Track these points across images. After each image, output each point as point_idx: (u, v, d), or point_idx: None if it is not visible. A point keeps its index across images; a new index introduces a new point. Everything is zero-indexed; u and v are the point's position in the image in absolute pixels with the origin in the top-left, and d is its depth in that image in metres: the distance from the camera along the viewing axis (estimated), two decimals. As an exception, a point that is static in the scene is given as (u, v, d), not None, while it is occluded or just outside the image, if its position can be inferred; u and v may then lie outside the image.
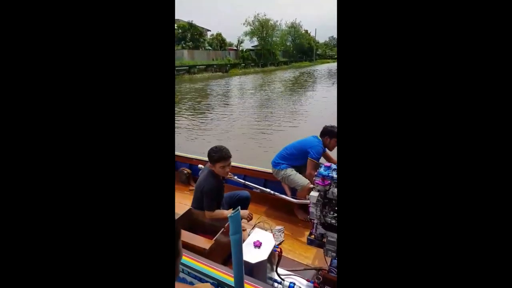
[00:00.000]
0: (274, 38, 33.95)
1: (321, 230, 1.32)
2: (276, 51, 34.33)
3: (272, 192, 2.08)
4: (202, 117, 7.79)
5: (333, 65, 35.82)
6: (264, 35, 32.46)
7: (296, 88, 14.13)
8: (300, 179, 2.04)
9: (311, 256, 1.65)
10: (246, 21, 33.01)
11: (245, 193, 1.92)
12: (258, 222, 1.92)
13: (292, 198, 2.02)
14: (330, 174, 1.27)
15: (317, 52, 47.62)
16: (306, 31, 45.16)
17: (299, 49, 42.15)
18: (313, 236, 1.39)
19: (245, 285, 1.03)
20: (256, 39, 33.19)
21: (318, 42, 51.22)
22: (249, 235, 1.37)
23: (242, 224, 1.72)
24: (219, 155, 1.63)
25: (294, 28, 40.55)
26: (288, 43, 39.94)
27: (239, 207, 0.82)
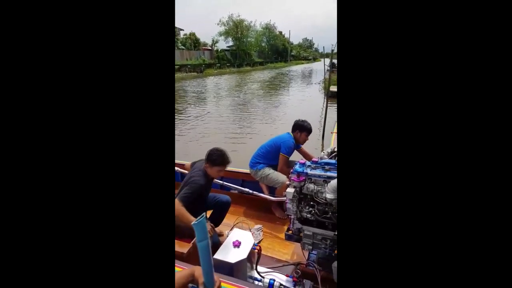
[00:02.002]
0: (249, 39, 34.13)
1: (298, 225, 1.36)
2: (251, 51, 34.54)
3: (250, 191, 2.09)
4: (176, 118, 7.58)
5: (307, 66, 36.95)
6: (239, 35, 32.46)
7: (273, 88, 14.33)
8: (279, 177, 2.08)
9: (290, 252, 1.69)
10: (220, 21, 32.80)
11: (225, 197, 1.88)
12: (237, 223, 1.92)
13: (270, 196, 2.04)
14: (305, 171, 1.31)
15: (292, 53, 48.74)
16: (281, 32, 46.03)
17: (274, 50, 42.84)
18: (290, 232, 1.42)
19: (226, 285, 1.03)
20: (231, 39, 33.08)
21: (292, 44, 52.45)
22: (227, 236, 1.36)
23: (220, 229, 1.71)
24: (221, 159, 1.58)
25: (268, 29, 41.12)
26: (263, 44, 40.42)
27: (204, 213, 0.82)
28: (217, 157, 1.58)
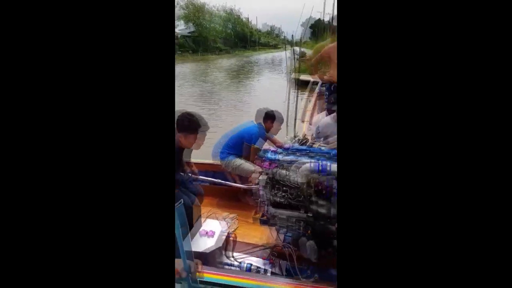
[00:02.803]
0: (212, 25, 32.71)
1: (272, 210, 1.40)
2: (216, 38, 33.26)
3: (222, 182, 2.08)
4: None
5: (276, 54, 36.88)
6: (201, 20, 30.90)
7: (242, 77, 14.13)
8: (250, 167, 2.10)
9: (265, 236, 1.74)
10: (177, 4, 30.67)
11: (197, 191, 1.83)
12: (210, 214, 1.92)
13: (243, 185, 2.07)
14: (276, 158, 1.35)
15: (260, 41, 48.27)
16: (247, 19, 45.09)
17: (241, 37, 41.90)
18: (265, 217, 1.47)
19: (204, 274, 1.03)
20: (192, 25, 31.33)
21: (260, 31, 51.83)
22: (201, 227, 1.36)
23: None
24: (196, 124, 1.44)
25: (233, 15, 39.88)
26: (228, 31, 39.17)
27: (182, 200, 0.80)
28: (189, 123, 1.46)
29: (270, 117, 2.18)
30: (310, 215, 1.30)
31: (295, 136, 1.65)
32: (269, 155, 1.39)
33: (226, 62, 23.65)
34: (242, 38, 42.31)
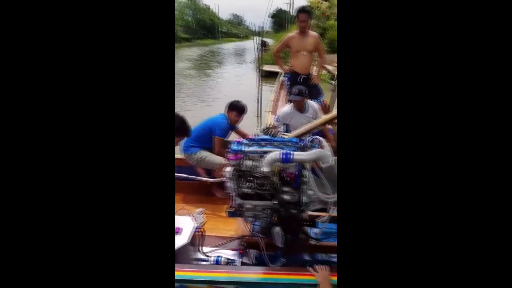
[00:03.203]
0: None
1: (239, 201, 1.40)
2: (175, 25, 31.36)
3: (188, 177, 2.01)
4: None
5: (239, 44, 36.27)
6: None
7: (205, 67, 13.64)
8: (216, 159, 2.06)
9: (234, 228, 1.75)
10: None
11: None
12: (177, 210, 1.85)
13: (209, 178, 2.02)
14: (242, 149, 1.34)
15: (222, 30, 46.84)
16: (208, 7, 43.24)
17: (202, 26, 40.13)
18: (233, 209, 1.47)
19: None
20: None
21: (221, 19, 50.21)
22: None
23: None
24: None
25: (192, 1, 37.87)
26: (188, 18, 37.18)
27: None
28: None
29: (232, 108, 2.14)
30: (276, 202, 1.33)
31: (266, 127, 1.66)
32: (234, 146, 1.37)
33: (188, 51, 22.55)
34: (204, 26, 40.57)
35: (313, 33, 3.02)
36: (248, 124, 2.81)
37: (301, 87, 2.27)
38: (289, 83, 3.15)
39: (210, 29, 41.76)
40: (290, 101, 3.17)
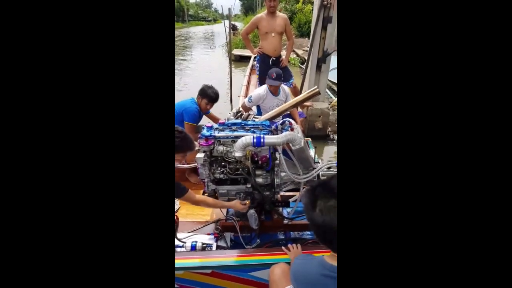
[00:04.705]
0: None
1: (212, 186, 1.40)
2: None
3: None
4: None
5: (208, 27, 34.70)
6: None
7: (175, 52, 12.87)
8: (187, 145, 2.01)
9: (209, 213, 1.75)
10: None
11: None
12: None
13: (181, 164, 1.98)
14: (213, 134, 1.31)
15: (189, 13, 44.25)
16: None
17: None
18: (206, 194, 1.46)
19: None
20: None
21: (188, 2, 47.25)
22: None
23: None
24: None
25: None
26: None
27: None
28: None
29: (204, 95, 2.10)
30: (249, 185, 1.35)
31: (237, 111, 1.64)
32: (204, 132, 1.34)
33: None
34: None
35: (282, 15, 2.99)
36: (220, 109, 2.75)
37: (279, 71, 2.27)
38: (258, 65, 3.13)
39: (177, 12, 39.17)
40: (259, 83, 3.15)
